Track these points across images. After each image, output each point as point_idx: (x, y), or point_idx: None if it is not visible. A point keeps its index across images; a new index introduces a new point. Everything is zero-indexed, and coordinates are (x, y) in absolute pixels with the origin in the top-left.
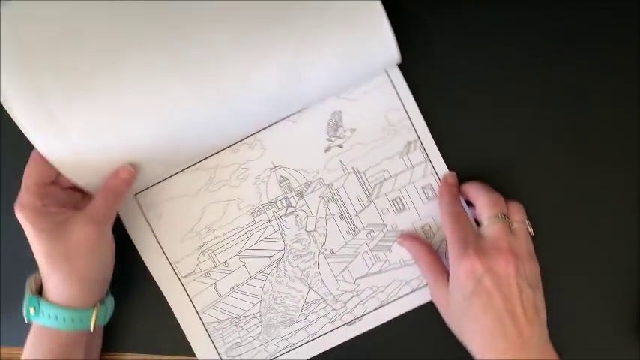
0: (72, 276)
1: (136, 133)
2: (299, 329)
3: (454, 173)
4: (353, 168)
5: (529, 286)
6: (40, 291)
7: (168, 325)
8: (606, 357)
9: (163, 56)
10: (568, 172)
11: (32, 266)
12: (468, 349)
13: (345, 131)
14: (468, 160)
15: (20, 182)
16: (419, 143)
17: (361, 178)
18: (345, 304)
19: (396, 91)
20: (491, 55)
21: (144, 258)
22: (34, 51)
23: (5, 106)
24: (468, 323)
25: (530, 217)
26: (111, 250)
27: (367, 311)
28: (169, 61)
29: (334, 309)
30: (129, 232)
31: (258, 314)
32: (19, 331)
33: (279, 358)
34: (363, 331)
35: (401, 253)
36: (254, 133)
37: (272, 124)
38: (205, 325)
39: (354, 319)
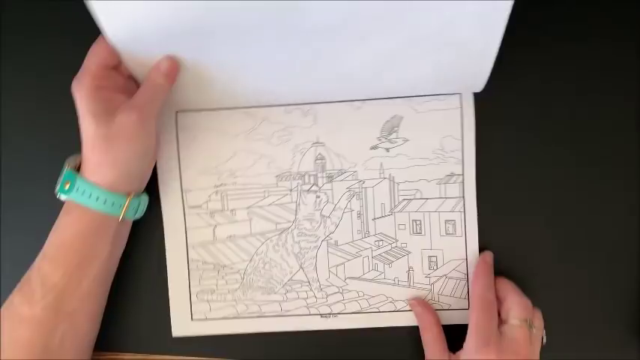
0: (110, 159)
1: (207, 46)
2: (274, 301)
3: (491, 253)
4: (389, 175)
5: None
6: (78, 170)
7: (168, 325)
8: (606, 357)
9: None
10: (569, 169)
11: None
12: None
13: (397, 137)
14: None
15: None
16: (461, 179)
17: (393, 187)
18: (327, 296)
19: (462, 121)
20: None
21: (159, 175)
22: None
23: None
24: None
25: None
26: (151, 144)
27: (344, 311)
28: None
29: (315, 297)
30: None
31: (242, 271)
32: None
33: (244, 319)
34: (333, 328)
35: (399, 272)
36: (312, 103)
37: (333, 102)
38: (189, 260)
39: (329, 314)
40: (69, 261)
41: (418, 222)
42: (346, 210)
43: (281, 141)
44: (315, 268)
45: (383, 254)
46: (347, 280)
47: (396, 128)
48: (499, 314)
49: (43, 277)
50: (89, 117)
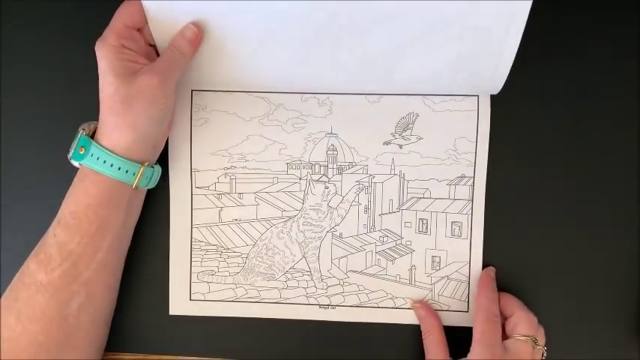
0: (128, 121)
1: (233, 15)
2: (274, 288)
3: (494, 269)
4: (400, 172)
5: None
6: (92, 136)
7: (168, 325)
8: (606, 357)
9: None
10: (567, 170)
11: None
12: None
13: (412, 135)
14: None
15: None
16: (472, 181)
17: (403, 184)
18: (328, 287)
19: (477, 124)
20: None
21: (170, 152)
22: None
23: None
24: None
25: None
26: (169, 111)
27: (343, 304)
28: None
29: (315, 287)
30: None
31: (245, 255)
32: None
33: (243, 303)
34: (330, 320)
35: (401, 269)
36: (329, 93)
37: (350, 94)
38: (193, 240)
39: (328, 305)
40: (84, 229)
41: (425, 221)
42: (354, 203)
43: (294, 129)
44: (318, 259)
45: (387, 250)
46: (348, 273)
47: (410, 125)
48: (503, 328)
49: (59, 244)
50: (110, 76)
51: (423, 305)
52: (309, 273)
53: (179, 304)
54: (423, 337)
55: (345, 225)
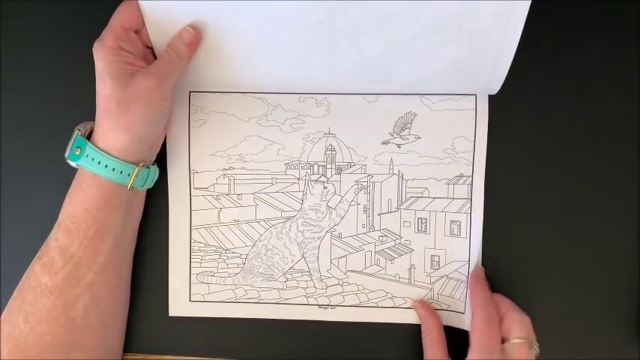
0: (124, 123)
1: (230, 16)
2: (274, 288)
3: (482, 268)
4: (399, 171)
5: None
6: (88, 137)
7: (168, 325)
8: (606, 357)
9: None
10: (567, 169)
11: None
12: None
13: (410, 134)
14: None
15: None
16: (470, 180)
17: (401, 183)
18: (327, 287)
19: (475, 123)
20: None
21: (168, 154)
22: None
23: None
24: None
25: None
26: (165, 113)
27: (343, 303)
28: None
29: (315, 287)
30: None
31: (244, 256)
32: None
33: (242, 304)
34: (330, 320)
35: (401, 269)
36: (327, 93)
37: (347, 94)
38: (192, 241)
39: (328, 305)
40: (83, 233)
41: (424, 220)
42: (352, 203)
43: (293, 129)
44: (317, 259)
45: (386, 250)
46: (348, 273)
47: (409, 125)
48: (501, 328)
49: (61, 248)
50: (107, 78)
51: (423, 305)
52: (308, 273)
53: (179, 305)
54: (422, 336)
55: (344, 225)
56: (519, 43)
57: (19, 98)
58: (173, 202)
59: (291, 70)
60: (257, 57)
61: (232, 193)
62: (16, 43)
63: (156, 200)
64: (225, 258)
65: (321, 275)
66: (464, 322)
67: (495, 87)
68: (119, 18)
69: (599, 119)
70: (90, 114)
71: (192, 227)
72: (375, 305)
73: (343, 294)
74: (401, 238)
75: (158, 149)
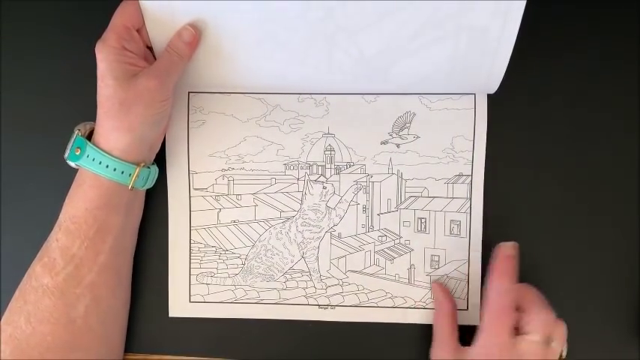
0: (125, 124)
1: (230, 15)
2: (273, 289)
3: (516, 245)
4: (398, 171)
5: None
6: (88, 137)
7: (168, 325)
8: (606, 357)
9: None
10: (566, 169)
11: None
12: None
13: (409, 134)
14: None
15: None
16: (469, 179)
17: (401, 183)
18: (327, 288)
19: (474, 122)
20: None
21: (167, 155)
22: None
23: None
24: None
25: (531, 218)
26: (166, 112)
27: (343, 304)
28: None
29: (314, 287)
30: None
31: (244, 256)
32: None
33: (242, 304)
34: (330, 320)
35: (400, 269)
36: (326, 93)
37: (346, 94)
38: (192, 242)
39: (328, 305)
40: (84, 233)
41: (423, 220)
42: (352, 203)
43: (292, 129)
44: (317, 259)
45: (386, 250)
46: (347, 273)
47: (407, 124)
48: (519, 322)
49: (61, 249)
50: (109, 79)
51: (442, 287)
52: (308, 273)
53: (179, 306)
54: (434, 320)
55: (343, 225)
56: (518, 42)
57: (19, 98)
58: (172, 203)
59: (291, 69)
60: (256, 56)
61: (232, 193)
62: (16, 43)
63: (155, 201)
64: (224, 259)
65: (320, 275)
66: (467, 319)
67: (494, 86)
68: (120, 17)
69: (599, 119)
70: (90, 114)
71: (192, 228)
72: (375, 305)
73: (343, 294)
74: (400, 237)
75: (157, 149)
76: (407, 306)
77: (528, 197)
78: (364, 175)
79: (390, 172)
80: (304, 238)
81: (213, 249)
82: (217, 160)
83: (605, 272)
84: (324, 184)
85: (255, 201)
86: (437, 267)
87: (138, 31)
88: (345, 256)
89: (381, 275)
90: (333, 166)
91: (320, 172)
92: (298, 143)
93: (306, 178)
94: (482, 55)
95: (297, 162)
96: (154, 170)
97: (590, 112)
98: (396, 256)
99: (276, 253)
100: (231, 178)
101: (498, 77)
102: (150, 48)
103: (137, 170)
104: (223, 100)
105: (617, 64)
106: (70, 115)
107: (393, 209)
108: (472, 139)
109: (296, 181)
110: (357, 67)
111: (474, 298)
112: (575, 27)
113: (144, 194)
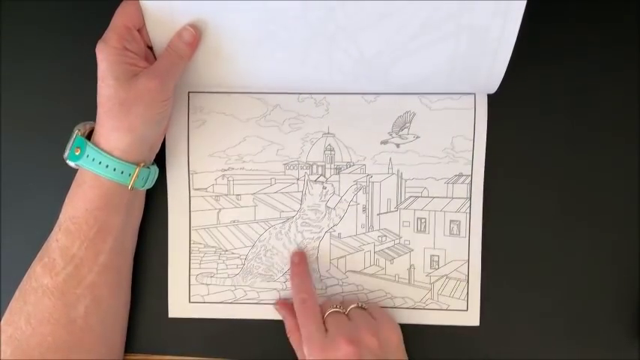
0: (126, 124)
1: (231, 15)
2: (273, 289)
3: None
4: (398, 171)
5: None
6: (88, 137)
7: (168, 325)
8: (606, 357)
9: None
10: (566, 168)
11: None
12: None
13: (409, 134)
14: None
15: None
16: (469, 180)
17: (400, 183)
18: (327, 288)
19: (474, 122)
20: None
21: (167, 155)
22: None
23: None
24: None
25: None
26: (167, 112)
27: None
28: None
29: (314, 287)
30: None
31: (244, 257)
32: None
33: (242, 305)
34: None
35: (400, 269)
36: (326, 93)
37: (346, 94)
38: (191, 242)
39: None
40: (84, 233)
41: (423, 220)
42: (352, 203)
43: (292, 129)
44: (317, 259)
45: (385, 250)
46: (347, 274)
47: (407, 124)
48: None
49: (61, 249)
50: (110, 79)
51: (282, 304)
52: None
53: (178, 307)
54: (288, 335)
55: (343, 225)
56: (518, 42)
57: (19, 98)
58: (172, 203)
59: (291, 69)
60: (256, 56)
61: (231, 193)
62: (16, 43)
63: (155, 201)
64: (224, 259)
65: (320, 275)
66: (467, 320)
67: (494, 85)
68: (121, 17)
69: (599, 119)
70: (90, 114)
71: (192, 228)
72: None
73: (343, 294)
74: (400, 238)
75: (157, 150)
76: (407, 306)
77: (528, 197)
78: (364, 175)
79: (390, 172)
80: (304, 238)
81: (213, 249)
82: (217, 160)
83: (605, 272)
84: (324, 184)
85: (255, 201)
86: (437, 267)
87: (139, 31)
88: (344, 256)
89: (380, 275)
90: (333, 166)
91: (320, 172)
92: (298, 143)
93: (306, 178)
94: (483, 55)
95: (297, 162)
96: (154, 170)
97: (590, 112)
98: (395, 256)
99: (276, 254)
100: (231, 178)
101: (498, 77)
102: (150, 48)
103: (137, 170)
104: (223, 99)
105: (617, 64)
106: (70, 115)
107: (393, 209)
108: (472, 139)
109: (296, 181)
110: (357, 67)
111: (474, 298)
112: (575, 27)
113: (144, 194)
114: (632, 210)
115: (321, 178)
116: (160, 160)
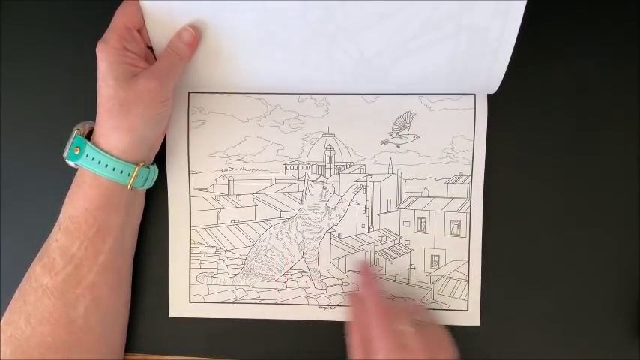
0: (125, 124)
1: (230, 15)
2: (274, 289)
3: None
4: (398, 171)
5: None
6: (88, 137)
7: (168, 325)
8: (606, 357)
9: None
10: (567, 168)
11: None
12: None
13: (409, 134)
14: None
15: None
16: (469, 180)
17: (401, 183)
18: (327, 287)
19: (474, 122)
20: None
21: (167, 155)
22: None
23: None
24: None
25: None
26: (167, 112)
27: (343, 303)
28: None
29: (314, 287)
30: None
31: (244, 257)
32: None
33: (242, 305)
34: (330, 319)
35: (400, 269)
36: (326, 93)
37: (346, 94)
38: (192, 242)
39: (328, 305)
40: (84, 233)
41: (423, 220)
42: (352, 203)
43: (292, 129)
44: (317, 259)
45: (386, 250)
46: (347, 273)
47: (407, 124)
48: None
49: (61, 249)
50: (110, 79)
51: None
52: (308, 273)
53: (179, 307)
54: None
55: (343, 225)
56: (519, 42)
57: (19, 98)
58: (172, 203)
59: (291, 69)
60: (256, 56)
61: (232, 193)
62: (16, 43)
63: (156, 201)
64: (224, 259)
65: (320, 275)
66: (467, 320)
67: (494, 86)
68: (121, 17)
69: (599, 119)
70: (90, 114)
71: (192, 228)
72: None
73: (343, 294)
74: (400, 237)
75: (157, 150)
76: None
77: (528, 197)
78: (364, 175)
79: (390, 172)
80: (304, 238)
81: (213, 249)
82: (217, 160)
83: (605, 272)
84: (324, 184)
85: (255, 201)
86: (437, 267)
87: (139, 31)
88: (345, 256)
89: (380, 275)
90: (333, 166)
91: (320, 172)
92: (298, 143)
93: (306, 178)
94: (483, 55)
95: (297, 162)
96: (154, 170)
97: (590, 111)
98: (396, 256)
99: (276, 253)
100: (231, 178)
101: (498, 77)
102: (150, 48)
103: (136, 170)
104: (223, 100)
105: (617, 64)
106: (70, 115)
107: (393, 209)
108: (472, 139)
109: (296, 181)
110: (357, 67)
111: (474, 298)
112: (575, 27)
113: (144, 194)
114: (632, 210)
115: (322, 178)
116: (160, 160)
